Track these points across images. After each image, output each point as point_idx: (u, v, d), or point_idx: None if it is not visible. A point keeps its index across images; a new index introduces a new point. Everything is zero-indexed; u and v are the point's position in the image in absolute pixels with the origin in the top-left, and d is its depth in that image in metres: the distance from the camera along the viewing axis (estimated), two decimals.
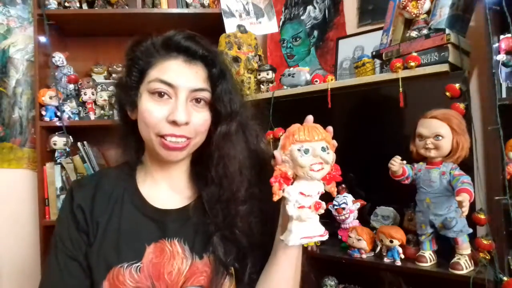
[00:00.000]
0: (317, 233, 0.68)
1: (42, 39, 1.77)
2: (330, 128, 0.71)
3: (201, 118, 0.75)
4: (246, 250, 0.77)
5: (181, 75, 0.74)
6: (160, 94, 0.73)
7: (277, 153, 0.68)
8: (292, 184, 0.69)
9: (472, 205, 1.00)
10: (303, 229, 0.67)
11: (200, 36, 0.78)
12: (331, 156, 0.67)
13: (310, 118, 0.71)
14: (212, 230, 0.76)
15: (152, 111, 0.73)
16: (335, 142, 0.70)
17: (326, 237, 0.69)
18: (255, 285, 0.78)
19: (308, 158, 0.65)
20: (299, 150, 0.65)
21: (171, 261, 0.74)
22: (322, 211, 0.68)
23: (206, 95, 0.76)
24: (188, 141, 0.74)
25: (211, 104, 0.77)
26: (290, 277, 0.75)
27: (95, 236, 0.76)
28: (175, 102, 0.73)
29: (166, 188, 0.82)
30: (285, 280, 0.75)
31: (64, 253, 0.76)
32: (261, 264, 0.78)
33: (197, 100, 0.75)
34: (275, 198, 0.66)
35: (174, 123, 0.71)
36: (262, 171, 0.78)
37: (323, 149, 0.66)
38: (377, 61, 1.39)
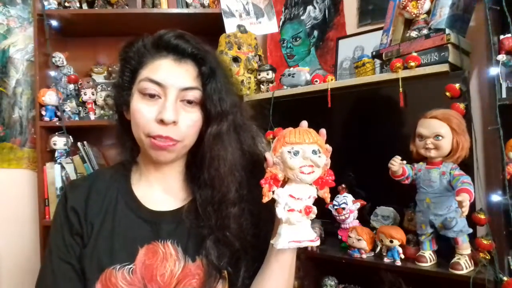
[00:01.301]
0: (307, 238, 0.67)
1: (42, 39, 1.77)
2: (323, 131, 0.70)
3: (190, 119, 0.74)
4: (240, 253, 0.77)
5: (171, 74, 0.73)
6: (151, 94, 0.73)
7: (268, 155, 0.69)
8: (283, 187, 0.68)
9: (472, 205, 1.00)
10: (293, 233, 0.67)
11: (190, 35, 0.77)
12: (322, 160, 0.66)
13: (304, 123, 0.71)
14: (205, 233, 0.75)
15: (142, 111, 0.72)
16: (328, 147, 0.69)
17: (316, 243, 0.68)
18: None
19: (297, 160, 0.65)
20: (289, 152, 0.65)
21: (164, 263, 0.73)
22: (313, 216, 0.68)
23: (196, 94, 0.74)
24: (176, 142, 0.73)
25: (203, 104, 0.75)
26: (283, 284, 0.75)
27: (89, 237, 0.75)
28: (164, 101, 0.72)
29: (160, 190, 0.81)
30: (280, 282, 0.74)
31: (58, 256, 0.75)
32: (255, 268, 0.77)
33: (188, 101, 0.74)
34: (264, 199, 0.66)
35: (162, 122, 0.71)
36: (256, 172, 0.77)
37: (314, 152, 0.65)
38: (377, 61, 1.39)
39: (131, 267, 0.72)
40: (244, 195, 0.77)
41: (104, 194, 0.79)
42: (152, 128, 0.72)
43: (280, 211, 0.67)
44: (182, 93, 0.73)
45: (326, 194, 0.70)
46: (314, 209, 0.68)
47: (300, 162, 0.65)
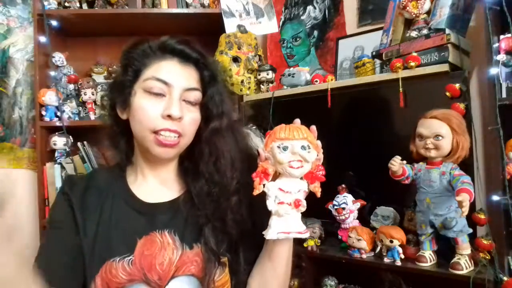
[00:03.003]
0: (296, 229, 0.70)
1: (42, 39, 1.77)
2: (313, 128, 0.74)
3: (191, 117, 0.79)
4: (237, 240, 0.81)
5: (176, 75, 0.78)
6: (156, 93, 0.77)
7: (261, 150, 0.73)
8: (274, 180, 0.71)
9: (472, 205, 1.00)
10: (282, 224, 0.70)
11: (193, 42, 0.83)
12: (311, 155, 0.69)
13: (297, 120, 0.75)
14: (203, 222, 0.79)
15: (147, 108, 0.76)
16: (319, 143, 0.73)
17: (305, 235, 0.72)
18: (248, 276, 0.82)
19: (286, 155, 0.68)
20: (278, 147, 0.69)
21: (162, 252, 0.76)
22: (302, 209, 0.71)
23: (198, 95, 0.81)
24: (179, 139, 0.78)
25: (202, 105, 0.82)
26: (276, 278, 0.79)
27: (85, 232, 0.77)
28: (170, 99, 0.77)
29: (155, 184, 0.85)
30: (276, 275, 0.79)
31: (58, 230, 0.79)
32: (255, 255, 0.82)
33: (190, 101, 0.80)
34: (255, 192, 0.70)
35: (169, 117, 0.75)
36: (251, 167, 0.81)
37: (303, 147, 0.68)
38: (377, 61, 1.39)
39: (130, 259, 0.75)
40: (241, 186, 0.81)
41: (101, 190, 0.82)
42: (159, 123, 0.75)
43: (270, 204, 0.70)
44: (185, 93, 0.78)
45: (316, 188, 0.73)
46: (304, 202, 0.71)
47: (289, 157, 0.68)
